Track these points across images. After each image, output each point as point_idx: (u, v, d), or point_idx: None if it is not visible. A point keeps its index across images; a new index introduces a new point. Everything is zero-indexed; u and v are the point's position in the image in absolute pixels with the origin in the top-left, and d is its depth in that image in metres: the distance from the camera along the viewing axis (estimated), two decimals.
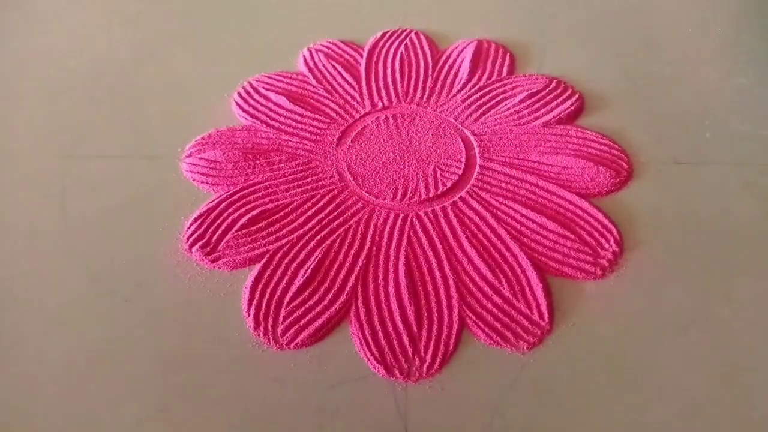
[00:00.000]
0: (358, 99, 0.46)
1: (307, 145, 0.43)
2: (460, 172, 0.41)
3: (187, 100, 0.46)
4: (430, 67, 0.48)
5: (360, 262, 0.36)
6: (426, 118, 0.44)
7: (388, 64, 0.48)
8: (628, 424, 0.30)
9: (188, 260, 0.37)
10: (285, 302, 0.34)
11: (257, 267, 0.36)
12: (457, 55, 0.48)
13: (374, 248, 0.37)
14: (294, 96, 0.46)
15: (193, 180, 0.41)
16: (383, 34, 0.51)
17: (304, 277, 0.35)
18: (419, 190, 0.40)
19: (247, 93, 0.46)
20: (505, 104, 0.45)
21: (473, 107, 0.45)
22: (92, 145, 0.43)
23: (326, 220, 0.38)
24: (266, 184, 0.40)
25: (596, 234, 0.37)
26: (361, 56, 0.49)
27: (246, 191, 0.40)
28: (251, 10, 0.55)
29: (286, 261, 0.36)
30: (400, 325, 0.34)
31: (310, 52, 0.49)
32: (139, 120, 0.45)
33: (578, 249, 0.37)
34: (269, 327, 0.34)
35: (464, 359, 0.33)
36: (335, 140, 0.42)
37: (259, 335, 0.33)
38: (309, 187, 0.40)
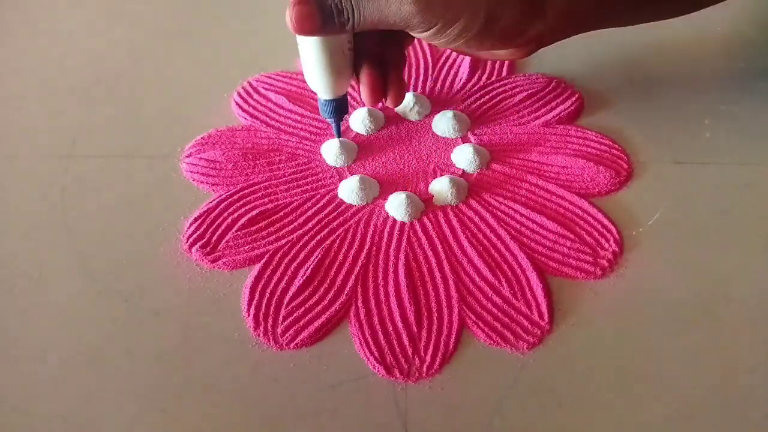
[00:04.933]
0: (358, 98, 0.46)
1: (307, 145, 0.43)
2: (460, 172, 0.41)
3: (186, 100, 0.46)
4: (430, 66, 0.48)
5: (360, 262, 0.36)
6: (426, 118, 0.44)
7: None
8: (628, 424, 0.30)
9: (188, 260, 0.37)
10: (285, 302, 0.34)
11: (257, 267, 0.36)
12: (457, 55, 0.48)
13: (374, 248, 0.37)
14: (294, 96, 0.46)
15: (193, 180, 0.41)
16: None
17: (304, 277, 0.35)
18: (419, 190, 0.40)
19: (247, 93, 0.46)
20: (505, 104, 0.45)
21: (473, 107, 0.45)
22: (91, 144, 0.43)
23: (326, 220, 0.38)
24: (266, 184, 0.40)
25: (596, 234, 0.37)
26: None
27: (246, 191, 0.39)
28: (251, 10, 0.54)
29: (286, 261, 0.36)
30: (399, 325, 0.33)
31: None
32: (139, 120, 0.45)
33: (578, 249, 0.37)
34: (269, 327, 0.33)
35: (464, 359, 0.33)
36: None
37: (259, 335, 0.33)
38: (309, 187, 0.40)
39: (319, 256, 0.36)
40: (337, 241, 0.37)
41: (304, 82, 0.47)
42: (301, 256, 0.36)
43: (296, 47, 0.37)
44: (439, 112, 0.44)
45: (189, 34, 0.52)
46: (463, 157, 0.41)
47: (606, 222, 0.38)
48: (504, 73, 0.47)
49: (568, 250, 0.37)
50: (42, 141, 0.44)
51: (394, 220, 0.38)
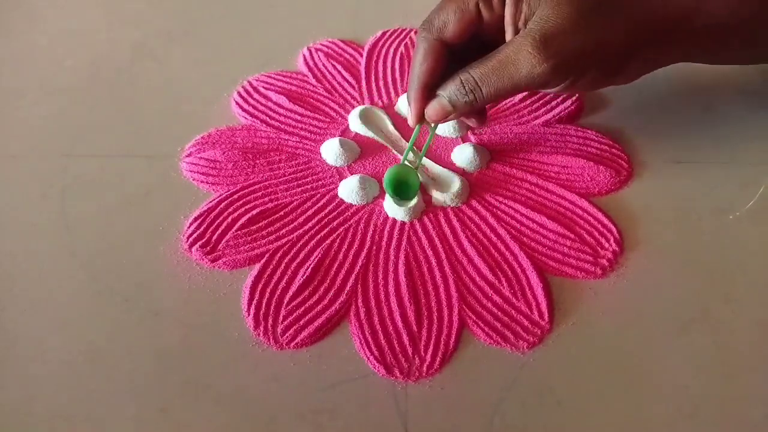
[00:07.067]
0: (358, 98, 0.46)
1: (307, 144, 0.43)
2: (460, 171, 0.41)
3: (186, 100, 0.46)
4: None
5: (360, 262, 0.36)
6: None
7: (388, 64, 0.48)
8: (628, 424, 0.30)
9: (188, 260, 0.37)
10: (285, 302, 0.34)
11: (257, 267, 0.36)
12: None
13: (374, 248, 0.37)
14: (294, 95, 0.46)
15: (193, 179, 0.41)
16: (383, 34, 0.50)
17: (304, 277, 0.35)
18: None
19: (247, 92, 0.46)
20: (505, 104, 0.45)
21: None
22: (91, 144, 0.43)
23: (326, 220, 0.38)
24: (266, 183, 0.40)
25: (596, 233, 0.37)
26: (361, 55, 0.49)
27: (246, 191, 0.39)
28: (251, 9, 0.54)
29: (285, 261, 0.36)
30: (400, 324, 0.33)
31: (310, 52, 0.49)
32: (139, 119, 0.45)
33: (578, 248, 0.37)
34: (269, 326, 0.33)
35: (464, 359, 0.33)
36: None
37: (259, 335, 0.33)
38: (309, 186, 0.40)
39: (319, 255, 0.36)
40: (337, 240, 0.37)
41: (304, 81, 0.47)
42: (301, 255, 0.36)
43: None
44: None
45: (189, 33, 0.52)
46: (464, 156, 0.41)
47: (606, 221, 0.38)
48: None
49: (569, 249, 0.37)
50: (41, 140, 0.44)
51: (394, 220, 0.38)
